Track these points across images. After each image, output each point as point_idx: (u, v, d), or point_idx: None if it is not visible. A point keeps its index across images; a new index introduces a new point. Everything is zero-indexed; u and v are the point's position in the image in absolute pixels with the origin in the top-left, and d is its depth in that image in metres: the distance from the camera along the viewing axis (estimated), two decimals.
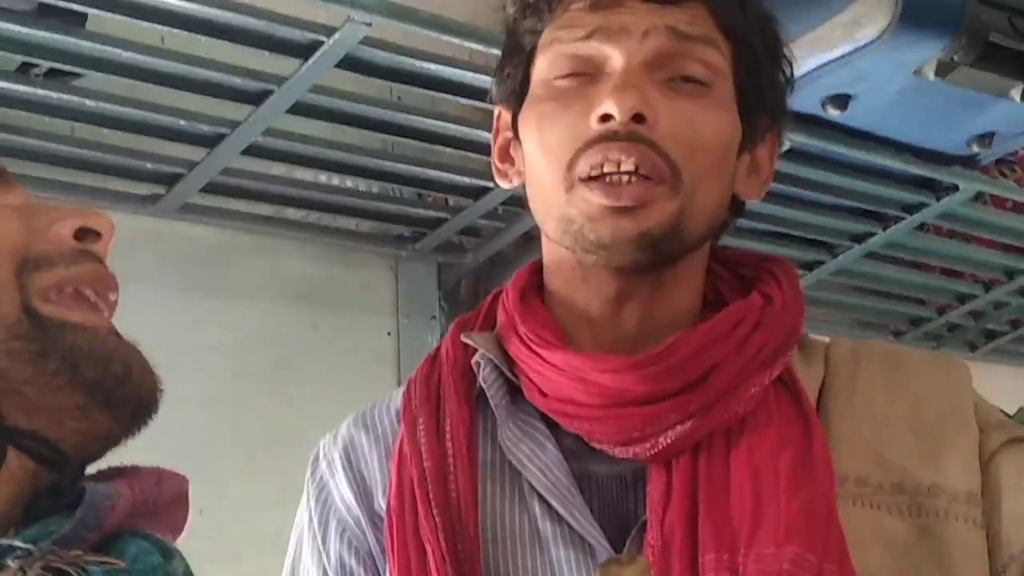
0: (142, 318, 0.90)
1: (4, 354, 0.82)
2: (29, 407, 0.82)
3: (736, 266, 1.26)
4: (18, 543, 0.76)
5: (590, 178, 1.10)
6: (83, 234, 0.87)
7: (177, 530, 0.87)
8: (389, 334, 2.30)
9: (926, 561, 1.11)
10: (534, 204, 1.19)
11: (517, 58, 1.20)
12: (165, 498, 0.85)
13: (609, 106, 1.08)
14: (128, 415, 0.87)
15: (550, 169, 1.13)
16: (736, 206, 1.23)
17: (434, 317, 2.35)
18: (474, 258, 2.34)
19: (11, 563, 0.75)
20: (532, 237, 2.23)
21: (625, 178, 1.09)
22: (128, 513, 0.81)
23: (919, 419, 1.18)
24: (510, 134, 1.22)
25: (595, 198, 1.10)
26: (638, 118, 1.08)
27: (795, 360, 1.19)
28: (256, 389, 2.10)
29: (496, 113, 1.25)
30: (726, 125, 1.15)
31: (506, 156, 1.24)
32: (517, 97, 1.20)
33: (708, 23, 1.15)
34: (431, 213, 2.22)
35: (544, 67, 1.16)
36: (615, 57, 1.12)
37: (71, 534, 0.77)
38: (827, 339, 1.26)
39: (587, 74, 1.13)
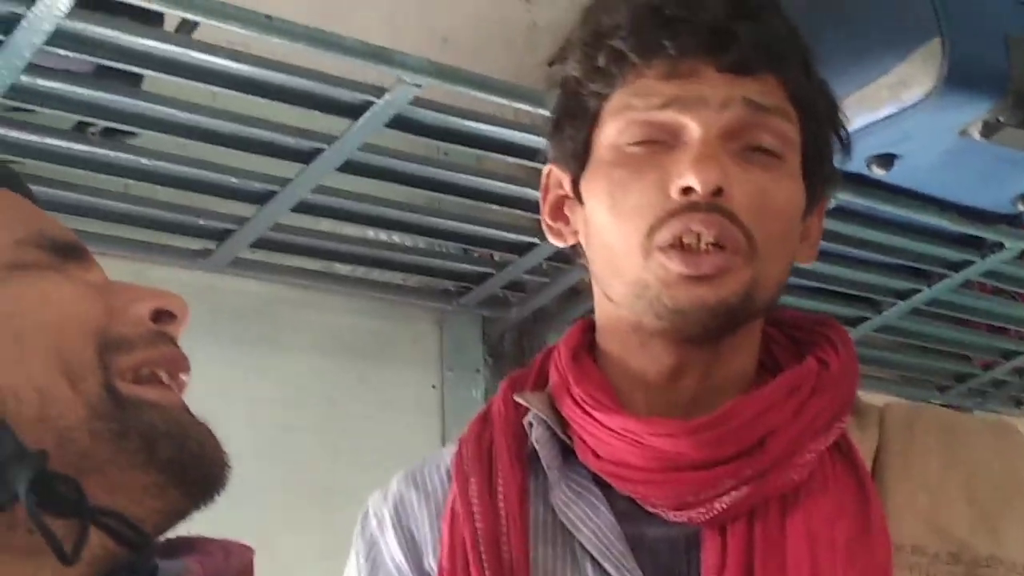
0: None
1: (87, 434, 0.81)
2: (110, 486, 0.82)
3: (790, 328, 1.25)
4: None
5: (669, 246, 1.10)
6: (159, 316, 0.88)
7: None
8: (434, 387, 2.30)
9: None
10: (597, 266, 1.18)
11: (580, 121, 1.19)
12: (232, 572, 0.86)
13: (691, 179, 1.08)
14: (201, 492, 0.86)
15: (624, 234, 1.13)
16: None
17: (478, 370, 2.35)
18: (518, 312, 2.34)
19: None
20: (576, 292, 2.25)
21: (705, 248, 1.10)
22: None
23: (976, 488, 1.17)
24: (562, 192, 1.21)
25: (674, 266, 1.09)
26: (718, 191, 1.09)
27: (850, 425, 1.18)
28: (304, 441, 2.10)
29: (545, 171, 1.24)
30: (795, 195, 1.15)
31: (559, 215, 1.23)
32: (577, 159, 1.19)
33: (780, 94, 1.15)
34: (476, 268, 2.23)
35: (614, 132, 1.15)
36: (692, 127, 1.12)
37: None
38: (880, 403, 1.25)
39: (661, 142, 1.13)
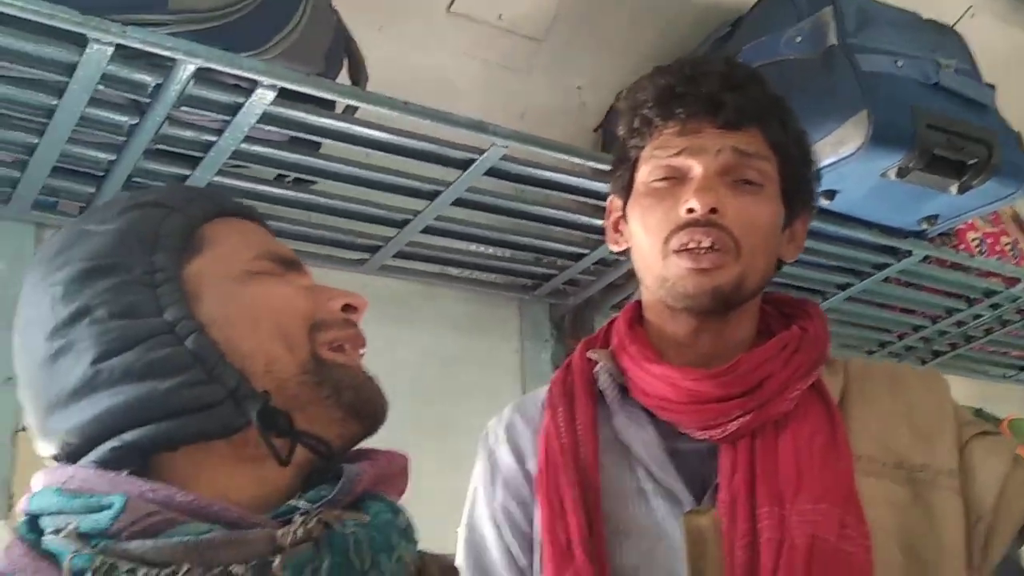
0: None
1: (297, 383, 0.81)
2: (310, 418, 0.81)
3: (781, 305, 1.26)
4: (301, 504, 0.76)
5: (679, 250, 1.12)
6: (347, 308, 0.87)
7: (401, 493, 0.86)
8: (516, 352, 2.30)
9: (919, 517, 1.09)
10: (637, 264, 1.20)
11: (625, 165, 1.22)
12: (394, 471, 0.85)
13: (694, 203, 1.11)
14: (370, 425, 0.86)
15: (649, 243, 1.15)
16: (778, 265, 1.23)
17: (546, 340, 2.34)
18: (574, 300, 2.33)
19: (297, 517, 0.74)
20: (614, 287, 2.25)
21: (704, 251, 1.11)
22: (370, 483, 0.81)
23: (913, 417, 1.16)
24: (617, 214, 1.24)
25: (683, 264, 1.12)
26: (713, 211, 1.10)
27: (823, 372, 1.18)
28: (428, 390, 2.10)
29: (608, 200, 1.27)
30: (772, 213, 1.16)
31: (616, 230, 1.25)
32: (625, 191, 1.21)
33: (761, 142, 1.16)
34: (545, 270, 2.22)
35: (645, 173, 1.18)
36: (696, 168, 1.13)
37: (334, 498, 0.77)
38: (847, 358, 1.25)
39: (676, 178, 1.15)
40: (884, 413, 1.16)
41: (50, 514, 0.73)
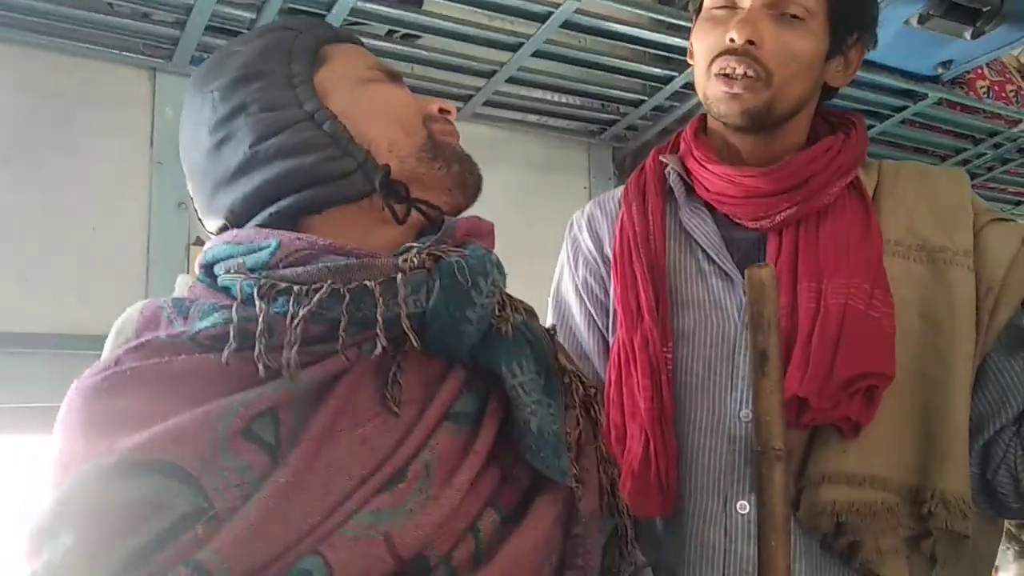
0: None
1: (416, 160, 0.82)
2: (425, 188, 0.83)
3: (829, 118, 1.20)
4: (415, 244, 0.79)
5: (718, 74, 1.08)
6: (442, 110, 0.88)
7: (492, 245, 0.86)
8: (584, 188, 2.27)
9: (937, 290, 1.08)
10: (696, 82, 1.15)
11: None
12: (484, 229, 0.85)
13: (733, 34, 1.06)
14: (472, 194, 0.88)
15: (700, 65, 1.11)
16: (833, 89, 1.16)
17: (609, 178, 2.29)
18: (633, 144, 2.28)
19: (414, 254, 0.76)
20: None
21: (738, 77, 1.06)
22: (465, 232, 0.81)
23: (936, 208, 1.13)
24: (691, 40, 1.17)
25: (719, 87, 1.08)
26: (750, 42, 1.05)
27: (861, 173, 1.15)
28: (513, 220, 2.04)
29: (693, 20, 1.17)
30: (812, 45, 1.08)
31: (690, 51, 1.16)
32: (696, 12, 1.15)
33: None
34: (609, 116, 2.17)
35: (708, 2, 1.11)
36: (744, 1, 1.07)
37: (439, 239, 0.79)
38: (881, 160, 1.21)
39: (729, 7, 1.08)
40: (911, 204, 1.13)
41: (221, 260, 0.77)
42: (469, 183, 0.86)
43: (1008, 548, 2.53)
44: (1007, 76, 2.36)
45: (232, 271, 0.75)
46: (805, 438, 1.03)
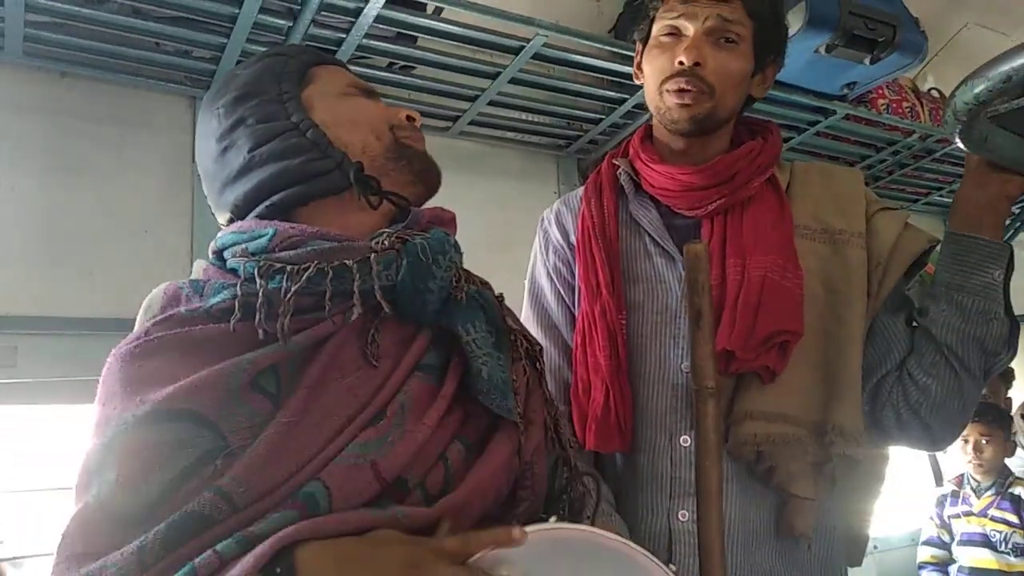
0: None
1: (384, 159, 0.84)
2: (393, 182, 0.84)
3: (750, 125, 1.21)
4: (386, 230, 0.80)
5: (669, 91, 1.08)
6: (408, 117, 0.88)
7: (453, 230, 0.86)
8: (555, 193, 2.29)
9: (837, 265, 1.09)
10: (646, 96, 1.14)
11: (645, 21, 1.16)
12: (445, 217, 0.87)
13: (683, 57, 1.06)
14: (431, 186, 0.88)
15: (652, 83, 1.11)
16: (750, 100, 1.17)
17: (575, 185, 2.28)
18: (594, 156, 2.31)
19: (384, 237, 0.78)
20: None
21: (687, 92, 1.07)
22: (428, 219, 0.84)
23: (838, 197, 1.14)
24: (639, 58, 1.17)
25: (671, 99, 1.08)
26: (696, 64, 1.06)
27: (776, 170, 1.16)
28: (494, 221, 2.11)
29: (636, 47, 1.18)
30: (743, 65, 1.10)
31: (638, 68, 1.17)
32: (644, 40, 1.15)
33: (741, 11, 1.09)
34: (574, 133, 2.20)
35: (656, 29, 1.12)
36: (689, 28, 1.08)
37: (407, 225, 0.81)
38: (793, 161, 1.21)
39: (675, 35, 1.09)
40: (817, 196, 1.15)
41: (229, 246, 0.79)
42: (428, 177, 0.88)
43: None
44: (903, 95, 2.44)
45: (237, 255, 0.77)
46: (732, 384, 1.05)
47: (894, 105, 2.39)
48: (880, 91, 2.33)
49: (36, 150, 1.59)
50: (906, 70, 2.03)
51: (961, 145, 0.92)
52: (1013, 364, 2.80)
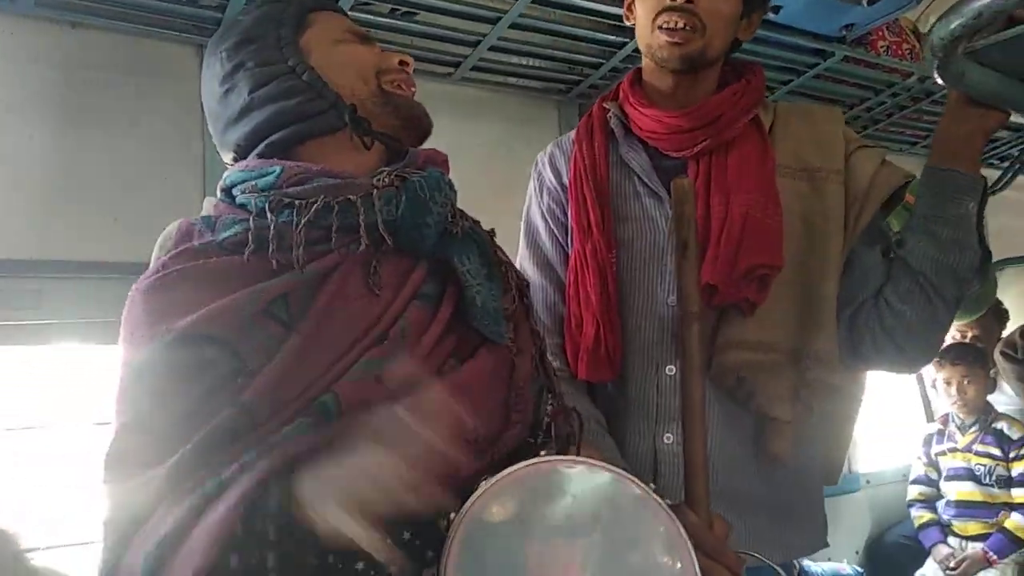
0: (441, 128, 0.95)
1: (371, 103, 0.87)
2: (381, 124, 0.87)
3: (736, 67, 1.21)
4: (386, 168, 0.83)
5: (660, 28, 1.09)
6: (401, 63, 0.91)
7: (447, 170, 0.88)
8: (554, 138, 2.16)
9: (815, 201, 1.12)
10: (638, 36, 1.16)
11: None
12: (439, 158, 0.89)
13: None
14: (417, 129, 0.91)
15: (644, 20, 1.12)
16: (739, 43, 1.19)
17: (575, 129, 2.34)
18: (594, 100, 2.30)
19: (385, 175, 0.81)
20: None
21: (678, 29, 1.08)
22: (424, 159, 0.87)
23: (817, 137, 1.16)
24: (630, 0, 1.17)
25: (663, 37, 1.10)
26: (688, 1, 1.07)
27: (760, 111, 1.17)
28: (496, 165, 2.10)
29: None
30: (733, 7, 1.11)
31: (629, 9, 1.18)
32: None
33: None
34: (575, 77, 2.19)
35: None
36: None
37: (405, 164, 0.85)
38: (776, 101, 1.25)
39: None
40: (798, 135, 1.17)
41: (237, 184, 0.83)
42: (415, 123, 0.90)
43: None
44: (903, 36, 2.42)
45: (247, 191, 0.81)
46: (715, 316, 1.09)
47: (894, 47, 2.37)
48: (880, 32, 2.31)
49: (52, 100, 1.63)
50: (904, 11, 2.01)
51: (940, 80, 0.96)
52: (1007, 304, 2.86)
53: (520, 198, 1.35)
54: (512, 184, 1.99)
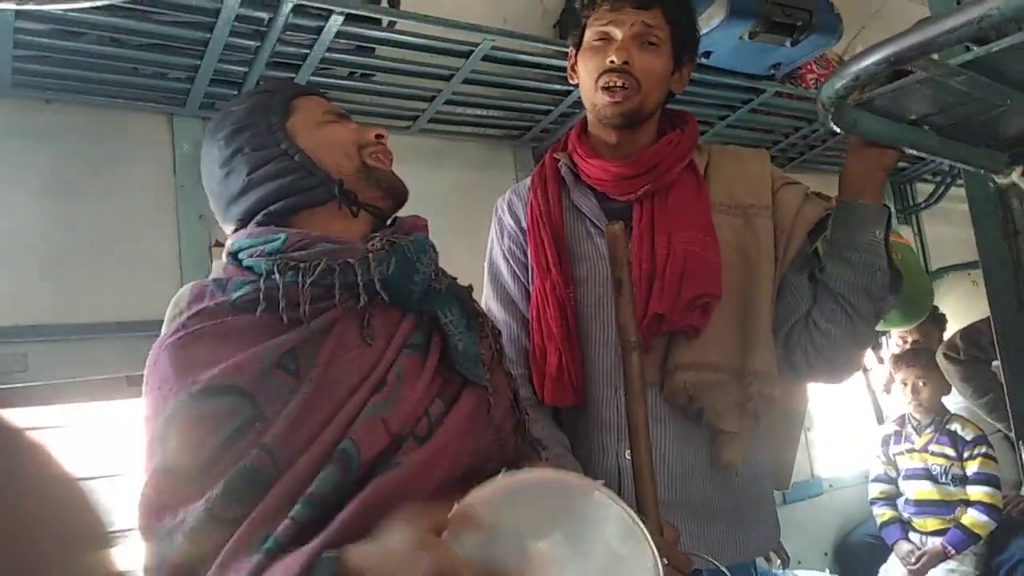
0: (402, 170, 1.02)
1: (355, 177, 0.94)
2: (365, 196, 0.95)
3: (671, 117, 1.29)
4: (377, 235, 0.92)
5: (602, 88, 1.18)
6: (378, 136, 0.99)
7: (427, 232, 0.98)
8: (512, 179, 2.34)
9: (748, 235, 1.20)
10: (582, 93, 1.23)
11: (577, 28, 1.24)
12: (421, 224, 0.98)
13: (613, 57, 1.16)
14: (397, 198, 0.98)
15: (587, 81, 1.21)
16: (671, 95, 1.26)
17: (530, 171, 2.34)
18: (546, 143, 2.35)
19: (377, 240, 0.90)
20: None
21: (618, 88, 1.17)
22: (410, 226, 0.96)
23: (747, 176, 1.25)
24: (573, 60, 1.25)
25: (605, 97, 1.17)
26: (625, 63, 1.16)
27: (695, 156, 1.25)
28: (458, 208, 2.15)
29: (570, 52, 1.26)
30: (665, 63, 1.20)
31: (572, 70, 1.26)
32: (577, 45, 1.24)
33: (661, 18, 1.19)
34: (526, 123, 2.28)
35: (588, 35, 1.21)
36: (617, 34, 1.18)
37: (394, 231, 0.94)
38: (709, 146, 1.31)
39: (606, 40, 1.19)
40: (730, 176, 1.25)
41: (244, 248, 0.91)
42: (394, 192, 0.99)
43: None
44: (831, 68, 2.61)
45: (255, 255, 0.88)
46: (665, 341, 1.18)
47: (822, 79, 2.55)
48: (809, 66, 2.48)
49: (29, 172, 1.70)
50: (827, 48, 2.19)
51: (836, 129, 1.09)
52: (943, 309, 3.03)
53: (480, 237, 1.41)
54: (473, 225, 2.08)
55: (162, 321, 0.88)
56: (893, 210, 3.26)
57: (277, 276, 0.84)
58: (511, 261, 1.33)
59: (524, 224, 1.31)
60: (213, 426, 0.76)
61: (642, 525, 0.71)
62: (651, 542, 0.69)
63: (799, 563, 2.76)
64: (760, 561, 1.28)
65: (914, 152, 1.14)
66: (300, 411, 0.79)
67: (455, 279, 0.98)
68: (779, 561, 2.38)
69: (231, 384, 0.78)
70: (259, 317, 0.83)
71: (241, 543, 0.71)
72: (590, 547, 0.70)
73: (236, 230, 0.97)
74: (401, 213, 1.02)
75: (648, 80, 1.18)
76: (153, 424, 0.79)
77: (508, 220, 1.35)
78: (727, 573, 0.94)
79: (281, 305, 0.83)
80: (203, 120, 1.88)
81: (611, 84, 1.17)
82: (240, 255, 0.91)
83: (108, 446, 1.77)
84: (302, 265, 0.85)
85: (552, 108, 2.20)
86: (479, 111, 2.17)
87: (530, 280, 1.29)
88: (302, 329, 0.83)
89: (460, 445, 0.86)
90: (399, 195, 1.00)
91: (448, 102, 2.04)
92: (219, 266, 0.94)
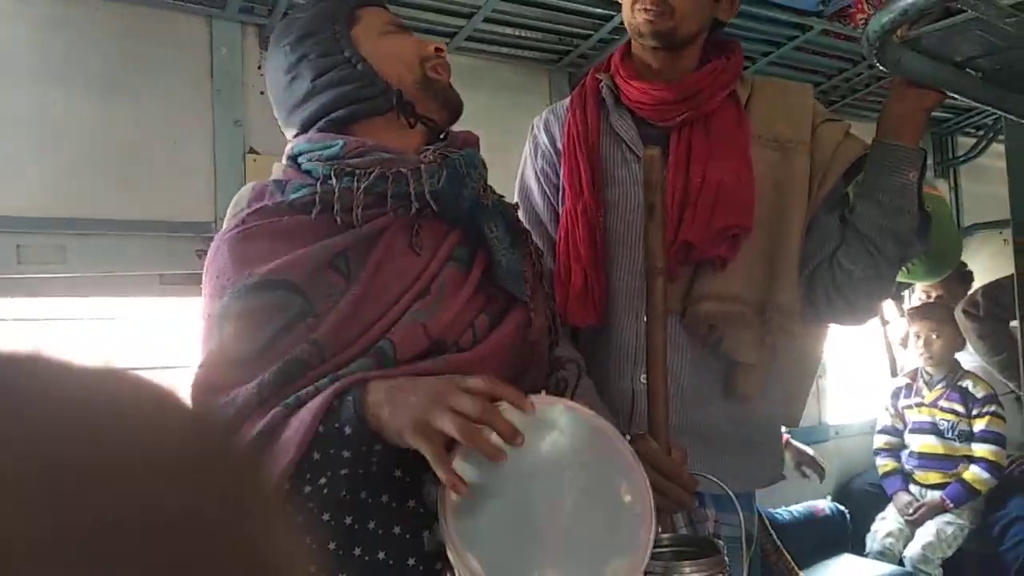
0: None
1: (415, 88, 0.96)
2: (422, 107, 0.97)
3: (717, 44, 1.27)
4: (430, 147, 0.95)
5: (638, 8, 1.16)
6: (437, 50, 1.01)
7: (478, 149, 0.99)
8: (547, 105, 2.19)
9: (784, 168, 1.19)
10: (623, 13, 1.21)
11: None
12: (473, 140, 1.02)
13: None
14: (453, 113, 1.02)
15: (626, 3, 1.18)
16: (719, 24, 1.24)
17: (567, 95, 2.37)
18: (584, 70, 2.30)
19: (430, 152, 0.92)
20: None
21: (651, 10, 1.14)
22: (463, 141, 0.99)
23: (789, 110, 1.23)
24: None
25: (639, 16, 1.16)
26: None
27: (737, 86, 1.24)
28: (493, 130, 2.04)
29: None
30: None
31: None
32: None
33: None
34: (565, 48, 2.26)
35: None
36: None
37: (447, 145, 0.96)
38: (753, 76, 1.30)
39: None
40: (772, 108, 1.24)
41: (303, 153, 0.94)
42: (451, 105, 1.01)
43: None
44: (880, 6, 2.53)
45: (313, 160, 0.91)
46: (690, 272, 1.18)
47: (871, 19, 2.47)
48: (859, 5, 2.39)
49: (73, 67, 1.71)
50: None
51: (879, 66, 1.07)
52: (972, 267, 3.01)
53: (512, 162, 1.41)
54: (506, 149, 2.09)
55: (195, 224, 0.91)
56: (932, 162, 3.20)
57: (333, 181, 0.87)
58: (542, 181, 1.34)
59: (559, 144, 1.30)
60: (267, 317, 0.80)
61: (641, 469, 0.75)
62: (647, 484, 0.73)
63: (797, 503, 2.83)
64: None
65: (956, 97, 1.12)
66: (348, 310, 0.83)
67: (502, 196, 1.00)
68: (814, 472, 2.45)
69: (285, 279, 0.81)
70: (314, 219, 0.87)
71: (270, 405, 0.77)
72: (597, 495, 0.74)
73: (297, 135, 0.99)
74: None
75: (683, 6, 1.16)
76: (210, 310, 0.84)
77: (543, 139, 1.35)
78: (732, 495, 0.97)
79: (336, 208, 0.86)
80: (241, 25, 1.88)
81: (644, 5, 1.16)
82: (300, 159, 0.93)
83: (143, 341, 1.83)
84: (357, 172, 0.87)
85: (592, 33, 2.17)
86: (518, 31, 2.14)
87: (560, 201, 1.29)
88: (354, 233, 0.87)
89: (501, 359, 0.90)
90: (455, 108, 1.01)
91: (487, 19, 2.01)
92: (279, 168, 0.97)
